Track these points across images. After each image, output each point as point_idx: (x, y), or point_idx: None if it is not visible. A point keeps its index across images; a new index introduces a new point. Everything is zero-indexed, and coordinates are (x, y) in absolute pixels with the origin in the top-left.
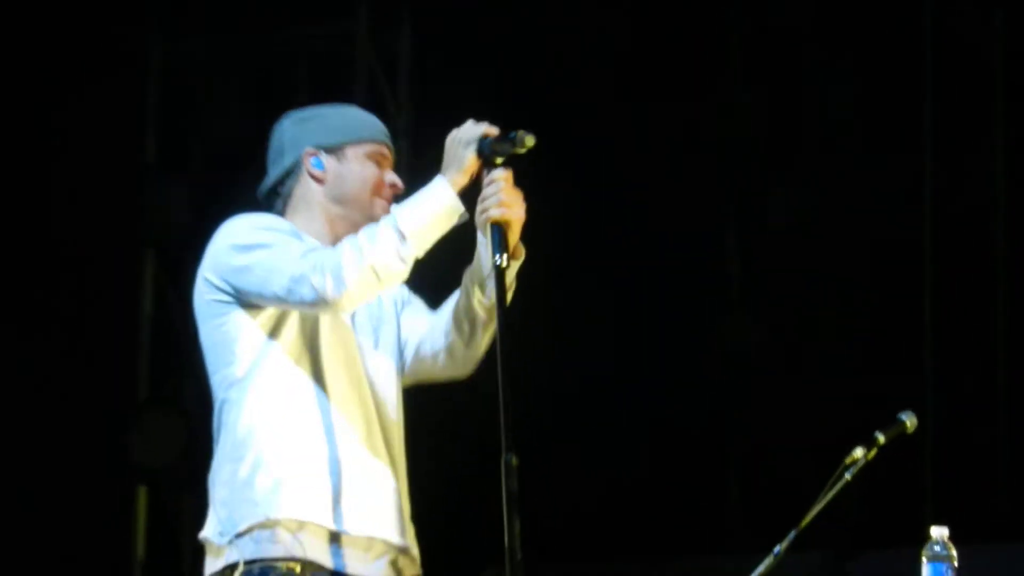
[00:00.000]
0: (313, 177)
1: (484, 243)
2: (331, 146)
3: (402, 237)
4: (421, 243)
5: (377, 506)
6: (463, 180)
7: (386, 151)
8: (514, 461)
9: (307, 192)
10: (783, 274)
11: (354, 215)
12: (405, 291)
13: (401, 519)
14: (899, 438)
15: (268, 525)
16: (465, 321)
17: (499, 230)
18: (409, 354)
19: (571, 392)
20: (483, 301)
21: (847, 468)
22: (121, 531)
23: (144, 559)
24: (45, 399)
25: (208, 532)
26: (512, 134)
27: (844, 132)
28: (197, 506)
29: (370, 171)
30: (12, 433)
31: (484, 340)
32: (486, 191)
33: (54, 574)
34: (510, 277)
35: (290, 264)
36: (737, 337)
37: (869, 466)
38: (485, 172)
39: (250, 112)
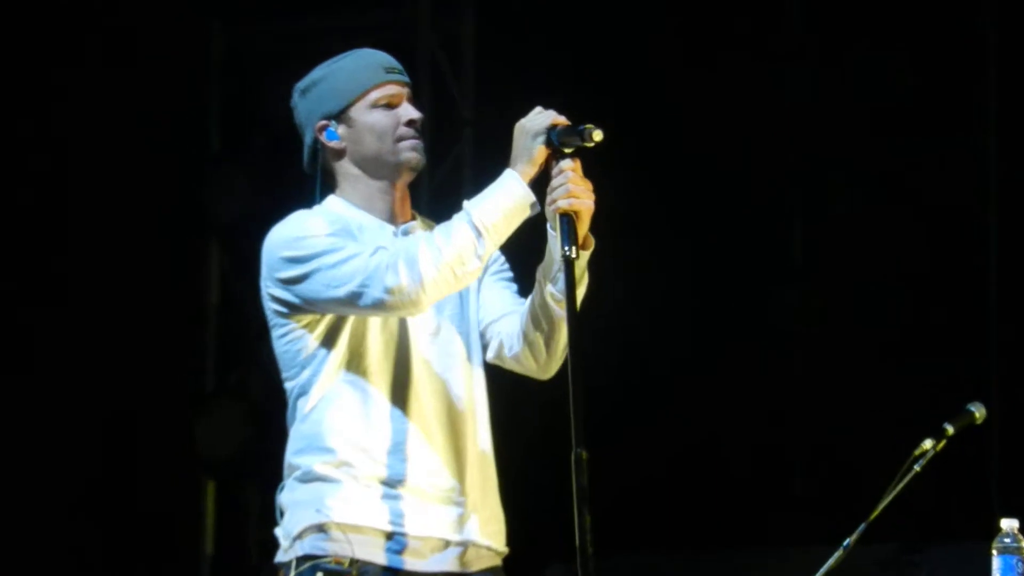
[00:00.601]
0: (333, 150)
1: (554, 236)
2: (337, 112)
3: (478, 234)
4: (497, 238)
5: (434, 502)
6: (532, 171)
7: (393, 88)
8: (584, 456)
9: (337, 165)
10: (846, 257)
11: (384, 170)
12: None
13: (465, 511)
14: (968, 429)
15: (322, 527)
16: (542, 319)
17: (568, 221)
18: (491, 342)
19: (635, 380)
20: (556, 295)
21: (916, 460)
22: (190, 525)
23: (213, 553)
24: (113, 391)
25: (277, 530)
26: (581, 127)
27: (908, 112)
28: (263, 498)
29: (382, 120)
30: (80, 425)
31: (564, 340)
32: (554, 182)
33: (124, 569)
34: (580, 268)
35: (357, 266)
36: (801, 324)
37: (938, 457)
38: (553, 162)
39: None
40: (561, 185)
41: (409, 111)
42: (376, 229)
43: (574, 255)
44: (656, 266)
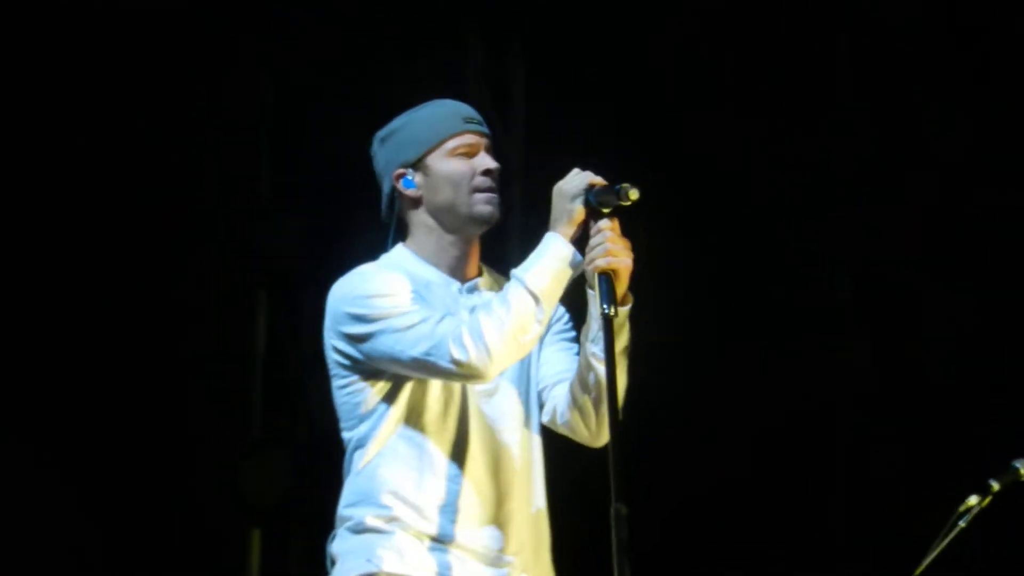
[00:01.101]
0: (410, 198)
1: (593, 296)
2: (414, 160)
3: (536, 299)
4: (551, 301)
5: (481, 562)
6: (572, 231)
7: (471, 137)
8: (623, 511)
9: (413, 214)
10: (894, 307)
11: (457, 221)
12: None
13: (511, 572)
14: (1014, 485)
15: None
16: (589, 382)
17: (607, 279)
18: (546, 405)
19: (678, 413)
20: (599, 355)
21: (961, 516)
22: (235, 572)
23: None
24: (159, 438)
25: None
26: (617, 187)
27: (954, 153)
28: (307, 546)
29: (459, 169)
30: (126, 470)
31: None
32: (593, 241)
33: None
34: (620, 323)
35: (422, 337)
36: (847, 371)
37: (983, 513)
38: (592, 222)
39: (362, 147)
40: (599, 244)
41: (486, 161)
42: (442, 286)
43: (613, 313)
44: (696, 317)
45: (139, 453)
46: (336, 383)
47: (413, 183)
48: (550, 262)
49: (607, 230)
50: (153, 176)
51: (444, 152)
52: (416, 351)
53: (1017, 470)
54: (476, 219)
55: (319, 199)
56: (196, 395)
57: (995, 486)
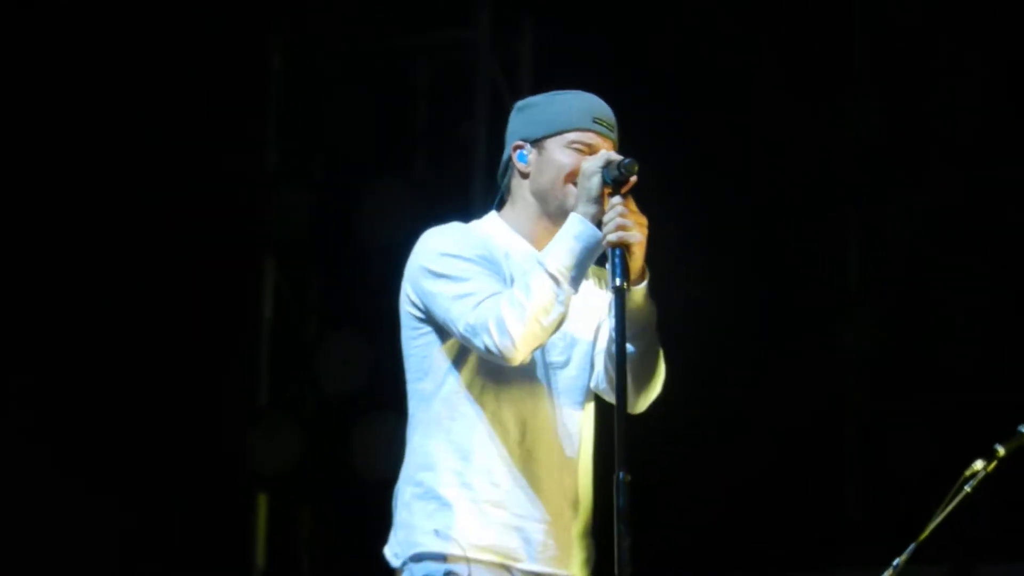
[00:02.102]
0: (520, 171)
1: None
2: (535, 138)
3: (556, 281)
4: (574, 281)
5: (551, 541)
6: (595, 209)
7: (593, 137)
8: (626, 478)
9: (518, 186)
10: (902, 281)
11: (550, 207)
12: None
13: (578, 553)
14: (1020, 450)
15: (437, 557)
16: (614, 354)
17: (619, 254)
18: (598, 374)
19: (687, 402)
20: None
21: (967, 480)
22: (241, 538)
23: (264, 567)
24: (166, 405)
25: (387, 550)
26: (621, 161)
27: (966, 139)
28: (314, 512)
29: (568, 160)
30: (131, 439)
31: (648, 377)
32: (606, 216)
33: None
34: (638, 300)
35: (465, 313)
36: (855, 343)
37: (989, 478)
38: (608, 199)
39: (370, 120)
40: (611, 220)
41: None
42: (525, 257)
43: (625, 286)
44: (713, 284)
45: (146, 420)
46: (406, 332)
47: (526, 158)
48: (568, 242)
49: (618, 205)
50: (161, 147)
51: (563, 141)
52: (459, 326)
53: (1023, 434)
54: (566, 211)
55: (327, 168)
56: (204, 362)
57: (1000, 451)
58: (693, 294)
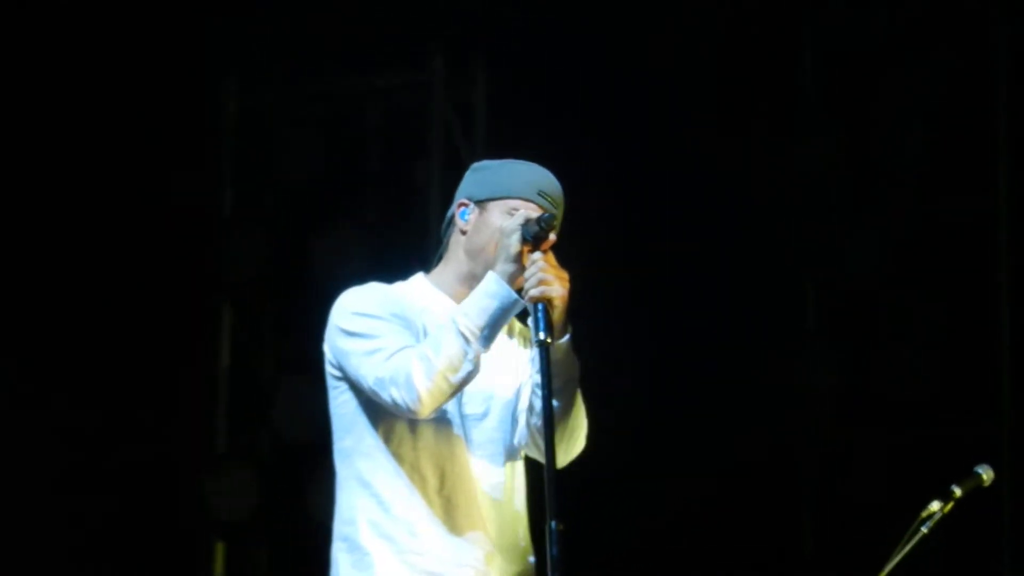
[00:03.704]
0: (459, 228)
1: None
2: (480, 199)
3: (465, 340)
4: (485, 340)
5: None
6: (513, 268)
7: (535, 209)
8: (558, 527)
9: (455, 243)
10: (859, 317)
11: (478, 268)
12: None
13: None
14: (976, 491)
15: None
16: (537, 409)
17: (542, 308)
18: (520, 431)
19: (641, 429)
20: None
21: (923, 521)
22: None
23: None
24: (123, 452)
25: None
26: (541, 216)
27: (918, 173)
28: (272, 560)
29: (503, 225)
30: (92, 482)
31: (571, 432)
32: (527, 272)
33: None
34: (562, 354)
35: (375, 368)
36: (811, 382)
37: (945, 519)
38: (528, 255)
39: (324, 162)
40: (533, 275)
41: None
42: (445, 313)
43: (548, 340)
44: (665, 318)
45: (104, 467)
46: (329, 392)
47: (467, 216)
48: (482, 301)
49: (539, 260)
50: (115, 191)
51: (505, 207)
52: (369, 380)
53: (979, 476)
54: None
55: (282, 213)
56: (161, 409)
57: (957, 492)
58: (646, 332)
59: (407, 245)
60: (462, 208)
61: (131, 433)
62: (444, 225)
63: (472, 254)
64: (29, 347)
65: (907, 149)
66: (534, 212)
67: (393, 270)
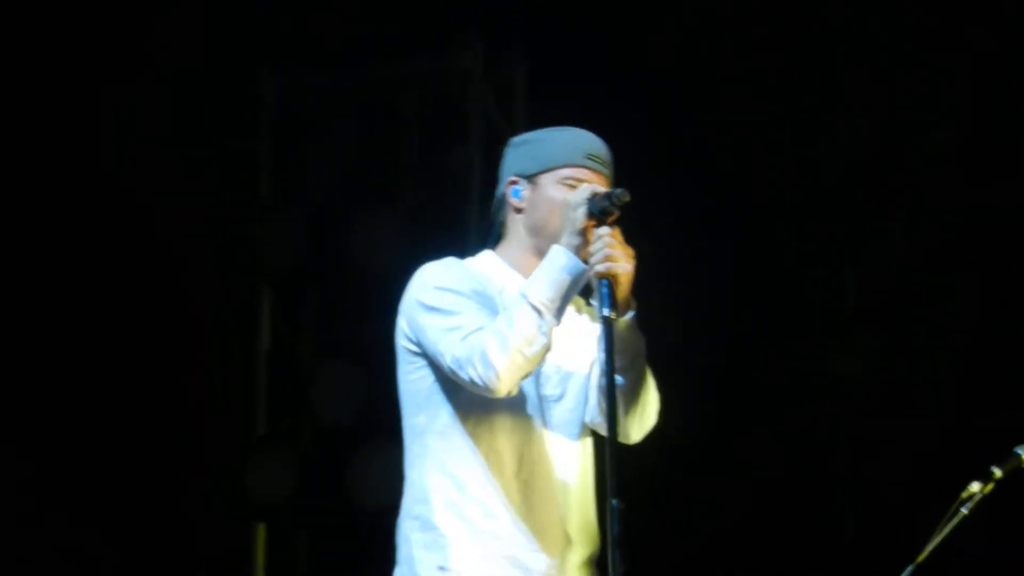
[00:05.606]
0: (514, 207)
1: (595, 301)
2: (529, 174)
3: (538, 313)
4: (557, 312)
5: (551, 572)
6: (578, 240)
7: (585, 172)
8: (620, 506)
9: (512, 222)
10: (898, 304)
11: (543, 242)
12: None
13: None
14: (1016, 472)
15: None
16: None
17: (607, 284)
18: (591, 408)
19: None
20: (618, 363)
21: (963, 503)
22: (240, 568)
23: None
24: (164, 435)
25: None
26: (612, 191)
27: (953, 159)
28: (312, 543)
29: (560, 196)
30: (131, 469)
31: (641, 407)
32: (593, 248)
33: None
34: (625, 331)
35: (453, 346)
36: (852, 367)
37: (986, 500)
38: (593, 230)
39: (364, 147)
40: (599, 251)
41: None
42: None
43: (613, 316)
44: (704, 305)
45: (144, 451)
46: (401, 367)
47: (520, 194)
48: (551, 273)
49: (606, 236)
50: (155, 175)
51: (556, 177)
52: (447, 359)
53: (1019, 456)
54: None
55: (321, 195)
56: (201, 392)
57: (997, 473)
58: (686, 320)
59: (446, 230)
60: (513, 186)
61: (172, 416)
62: (495, 205)
63: (534, 230)
64: (64, 329)
65: (945, 135)
66: (600, 187)
67: (432, 255)
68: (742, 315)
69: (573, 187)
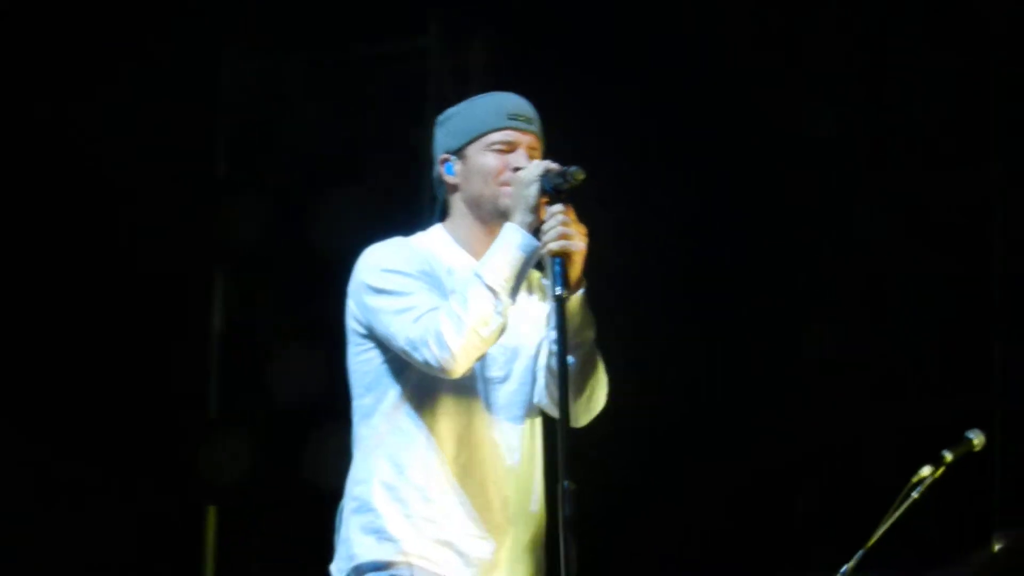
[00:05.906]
0: (449, 184)
1: (546, 279)
2: (457, 148)
3: (493, 292)
4: (512, 292)
5: (489, 556)
6: (532, 218)
7: (511, 134)
8: (571, 487)
9: (452, 199)
10: (853, 289)
11: (485, 213)
12: None
13: (524, 567)
14: (967, 456)
15: (379, 566)
16: (553, 368)
17: (559, 262)
18: (540, 389)
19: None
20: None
21: (914, 487)
22: (191, 550)
23: None
24: (113, 416)
25: (332, 567)
26: (566, 168)
27: (921, 145)
28: (264, 524)
29: (491, 163)
30: (82, 449)
31: (590, 389)
32: (545, 225)
33: None
34: (578, 309)
35: (405, 327)
36: (807, 351)
37: (936, 484)
38: (545, 207)
39: (321, 129)
40: (552, 228)
41: (519, 159)
42: (467, 272)
43: (565, 295)
44: (670, 290)
45: (96, 432)
46: (350, 348)
47: (453, 170)
48: (505, 253)
49: (559, 214)
50: (111, 154)
51: (483, 145)
52: (400, 340)
53: (970, 441)
54: (502, 212)
55: (277, 177)
56: (154, 373)
57: (948, 456)
58: (654, 296)
59: (405, 212)
60: (445, 163)
61: (122, 396)
62: (434, 186)
63: (472, 202)
64: (19, 314)
65: (918, 114)
66: (553, 164)
67: (391, 236)
68: (710, 301)
69: (502, 151)
